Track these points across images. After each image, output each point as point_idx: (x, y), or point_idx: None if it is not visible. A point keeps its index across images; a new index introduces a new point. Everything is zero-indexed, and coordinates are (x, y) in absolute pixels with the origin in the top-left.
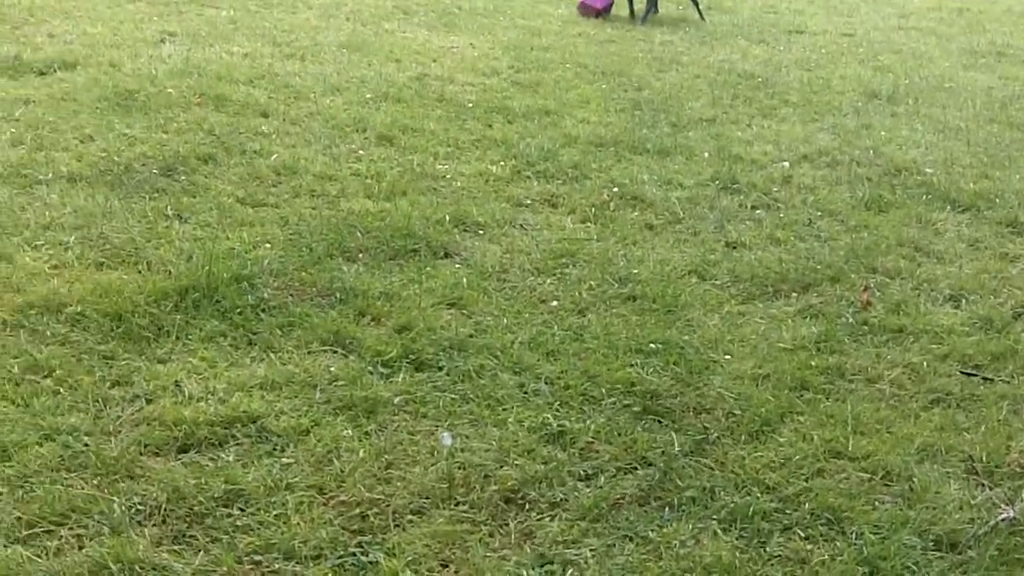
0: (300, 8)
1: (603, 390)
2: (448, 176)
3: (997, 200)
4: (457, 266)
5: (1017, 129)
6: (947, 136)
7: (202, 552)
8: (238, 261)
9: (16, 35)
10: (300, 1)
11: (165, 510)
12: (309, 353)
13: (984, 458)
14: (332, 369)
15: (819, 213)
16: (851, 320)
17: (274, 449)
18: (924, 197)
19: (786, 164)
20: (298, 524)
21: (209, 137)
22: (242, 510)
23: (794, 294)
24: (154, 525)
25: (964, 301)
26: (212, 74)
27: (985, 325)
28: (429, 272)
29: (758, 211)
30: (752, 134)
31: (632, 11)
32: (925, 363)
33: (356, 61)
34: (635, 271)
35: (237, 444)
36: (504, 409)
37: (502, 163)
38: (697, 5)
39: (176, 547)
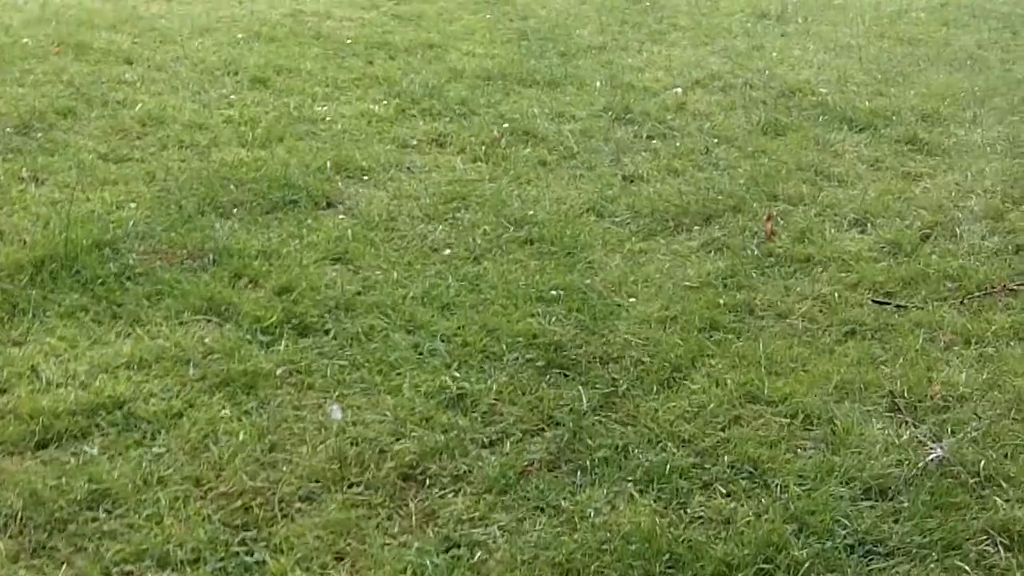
0: None
1: (504, 345)
2: (328, 119)
3: (894, 117)
4: (341, 217)
5: (908, 44)
6: (839, 54)
7: (65, 565)
8: (100, 225)
9: None
10: None
11: (22, 518)
12: (180, 324)
13: (905, 393)
14: (206, 340)
15: (716, 140)
16: (756, 252)
17: (143, 438)
18: (820, 118)
19: (679, 90)
20: (172, 524)
21: (68, 89)
22: (109, 512)
23: (696, 227)
24: (10, 536)
25: (870, 225)
26: (71, 20)
27: (893, 249)
28: (310, 225)
29: (654, 141)
30: (643, 60)
31: None
32: (836, 294)
33: (224, 1)
34: (531, 212)
35: (102, 434)
36: (398, 374)
37: (385, 102)
38: None
39: (35, 560)
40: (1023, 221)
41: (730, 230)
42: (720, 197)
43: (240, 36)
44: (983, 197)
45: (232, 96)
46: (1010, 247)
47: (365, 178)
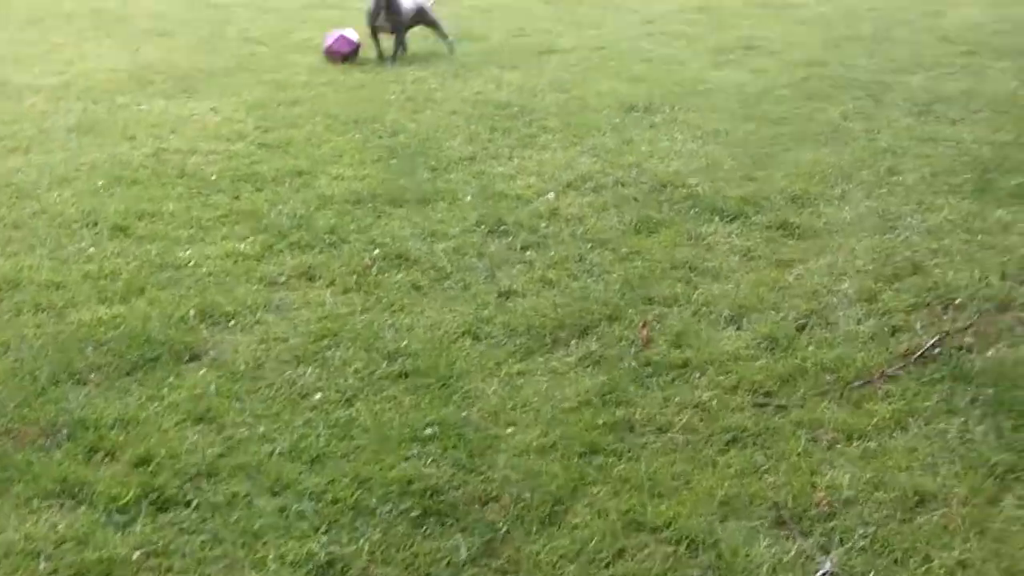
0: (26, 94)
1: (376, 497)
2: (192, 263)
3: (764, 203)
4: (204, 371)
5: (774, 123)
6: (707, 141)
7: None
8: None
9: None
10: (26, 87)
11: None
12: (31, 512)
13: (790, 502)
14: (59, 528)
15: (589, 245)
16: (634, 363)
17: None
18: (692, 211)
19: (551, 196)
20: None
21: None
22: None
23: (573, 341)
24: None
25: (745, 320)
26: None
27: (770, 344)
28: (172, 383)
29: (528, 252)
30: (514, 167)
31: (380, 52)
32: (715, 399)
33: (87, 144)
34: (404, 343)
35: None
36: (263, 543)
37: (251, 239)
38: (444, 38)
39: None
40: (896, 301)
41: (607, 341)
42: (595, 306)
43: (100, 183)
44: (856, 279)
45: (91, 249)
46: (886, 329)
47: (231, 323)
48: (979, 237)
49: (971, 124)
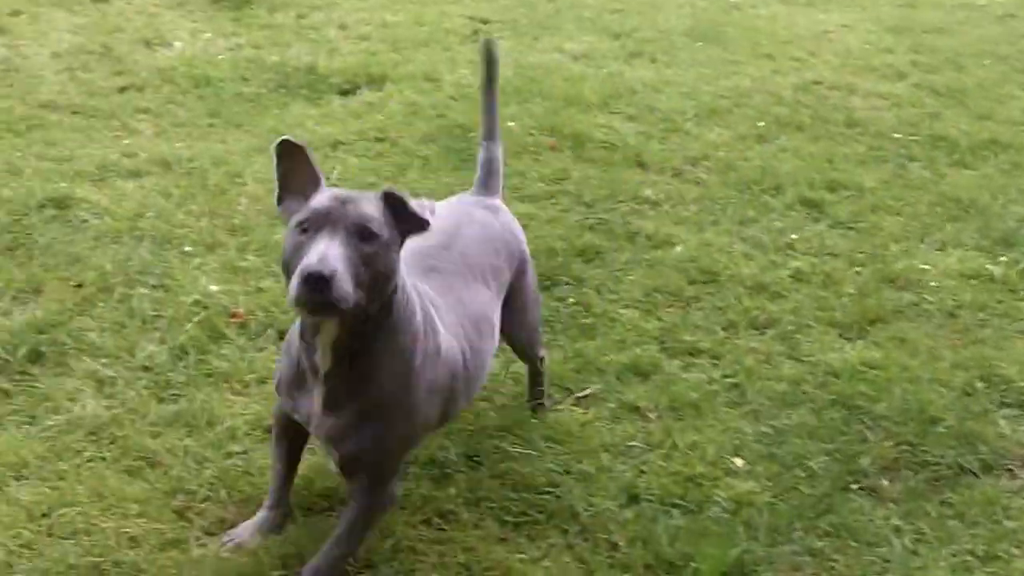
0: None
1: None
2: (932, 282)
3: None
4: None
5: None
6: None
7: None
8: None
9: None
10: None
11: None
12: None
13: None
14: None
15: None
16: None
17: None
18: None
19: None
20: None
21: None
22: None
23: None
24: None
25: None
26: (548, 94)
27: None
28: None
29: None
30: None
31: None
32: None
33: (716, 59)
34: None
35: None
36: None
37: (990, 252)
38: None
39: None
40: None
41: None
42: None
43: (761, 124)
44: None
45: (793, 235)
46: None
47: None
48: None
49: None
